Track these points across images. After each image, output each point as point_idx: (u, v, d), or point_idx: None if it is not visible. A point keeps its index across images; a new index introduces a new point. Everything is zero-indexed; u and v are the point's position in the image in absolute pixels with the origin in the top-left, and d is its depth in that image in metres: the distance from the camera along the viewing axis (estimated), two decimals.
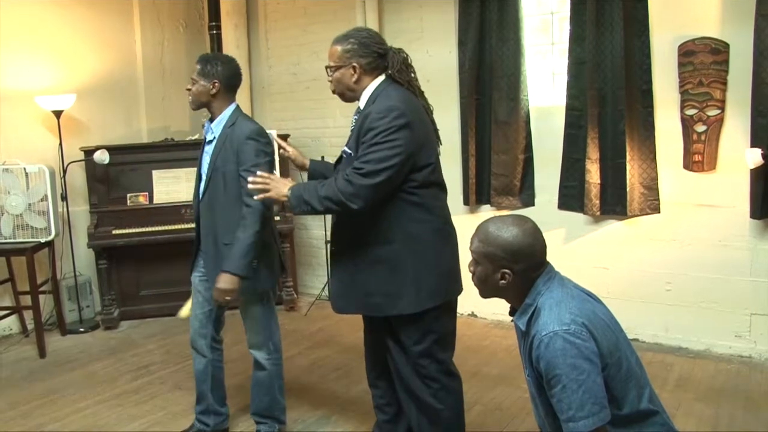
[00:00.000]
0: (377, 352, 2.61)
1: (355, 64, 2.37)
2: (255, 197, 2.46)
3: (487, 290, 1.83)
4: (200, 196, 2.86)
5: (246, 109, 5.74)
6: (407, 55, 2.45)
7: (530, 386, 1.81)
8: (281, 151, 2.82)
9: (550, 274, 1.79)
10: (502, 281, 1.76)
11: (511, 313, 1.87)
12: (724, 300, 3.89)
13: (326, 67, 2.45)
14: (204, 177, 2.83)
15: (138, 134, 5.52)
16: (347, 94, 2.46)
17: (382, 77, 2.41)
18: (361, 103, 2.42)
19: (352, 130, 2.44)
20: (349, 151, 2.38)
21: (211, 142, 2.82)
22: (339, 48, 2.40)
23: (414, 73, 2.46)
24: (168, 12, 5.77)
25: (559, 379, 1.60)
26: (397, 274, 2.34)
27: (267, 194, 2.40)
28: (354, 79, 2.39)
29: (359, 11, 5.01)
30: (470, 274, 1.86)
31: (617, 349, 1.70)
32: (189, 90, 2.79)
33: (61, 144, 4.83)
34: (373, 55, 2.39)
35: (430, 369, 2.40)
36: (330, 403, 3.50)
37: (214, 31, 5.46)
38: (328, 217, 5.39)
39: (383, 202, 2.31)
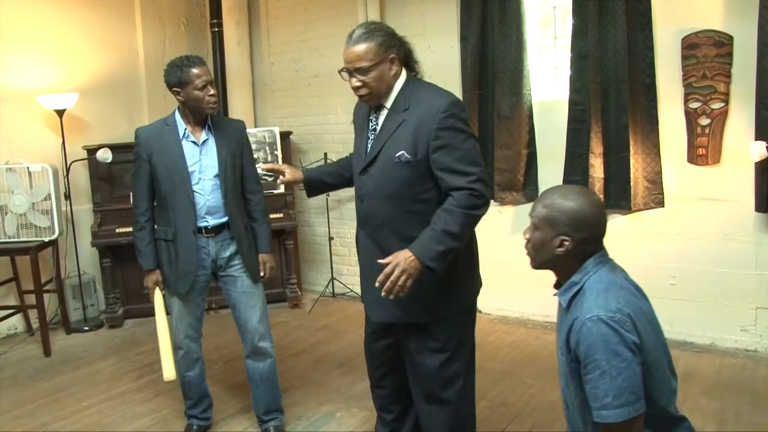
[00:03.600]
0: (385, 353, 2.55)
1: (392, 55, 2.21)
2: (397, 295, 2.08)
3: (540, 258, 1.78)
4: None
5: (248, 106, 5.76)
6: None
7: (563, 365, 1.77)
8: (281, 177, 2.64)
9: (603, 257, 1.75)
10: (560, 249, 1.71)
11: (556, 286, 1.83)
12: (729, 294, 3.88)
13: (355, 69, 2.20)
14: None
15: None
16: (384, 93, 2.25)
17: (404, 69, 2.29)
18: (389, 101, 2.26)
19: (374, 131, 2.31)
20: (408, 156, 2.18)
21: None
22: (372, 44, 2.17)
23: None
24: (169, 10, 5.76)
25: (598, 364, 1.56)
26: (451, 280, 2.26)
27: (409, 282, 2.07)
28: (393, 72, 2.23)
29: (361, 7, 5.00)
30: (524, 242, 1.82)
31: (655, 349, 1.66)
32: None
33: (63, 143, 4.83)
34: (398, 43, 2.25)
35: (454, 367, 2.34)
36: (334, 400, 3.50)
37: (216, 29, 5.46)
38: (331, 215, 5.42)
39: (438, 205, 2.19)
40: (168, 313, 2.97)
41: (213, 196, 2.86)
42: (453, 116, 2.14)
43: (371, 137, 2.33)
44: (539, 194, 1.81)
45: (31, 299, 4.58)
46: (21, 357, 4.39)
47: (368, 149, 2.32)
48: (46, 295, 4.59)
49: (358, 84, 2.22)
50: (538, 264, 1.81)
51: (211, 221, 2.88)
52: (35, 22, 4.86)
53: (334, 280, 5.45)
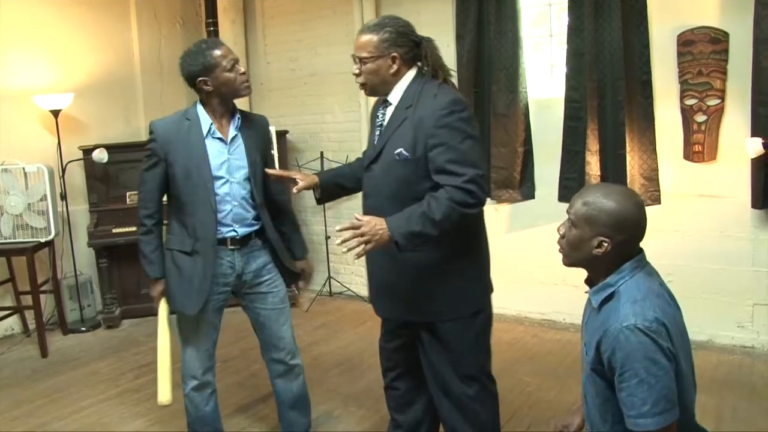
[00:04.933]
0: (397, 353, 2.50)
1: (394, 54, 2.21)
2: (354, 256, 2.06)
3: (574, 257, 1.72)
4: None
5: (244, 106, 5.73)
6: (436, 45, 2.32)
7: (587, 364, 1.73)
8: (294, 189, 2.50)
9: (640, 261, 1.69)
10: (597, 249, 1.65)
11: (588, 282, 1.78)
12: (726, 290, 3.88)
13: (358, 58, 2.23)
14: None
15: (137, 132, 5.51)
16: (380, 88, 2.28)
17: (415, 69, 2.27)
18: (394, 97, 2.26)
19: (381, 126, 2.31)
20: (407, 154, 2.17)
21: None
22: (375, 37, 2.20)
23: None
24: (165, 9, 5.75)
25: (635, 372, 1.54)
26: (470, 274, 2.30)
27: (368, 246, 2.06)
28: (392, 70, 2.22)
29: (356, 6, 4.99)
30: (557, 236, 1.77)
31: (685, 359, 1.65)
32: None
33: (59, 143, 4.81)
34: (410, 44, 2.24)
35: (465, 369, 2.32)
36: (332, 399, 3.49)
37: (212, 28, 5.44)
38: (329, 213, 5.42)
39: None
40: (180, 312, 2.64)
41: (242, 202, 2.54)
42: (451, 114, 2.11)
43: (377, 133, 2.33)
44: (579, 190, 1.76)
45: (27, 300, 4.56)
46: (18, 358, 4.38)
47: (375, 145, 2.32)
48: (42, 296, 4.58)
49: (356, 72, 2.26)
50: (570, 262, 1.76)
51: (240, 230, 2.56)
52: (30, 21, 4.84)
53: (331, 279, 5.45)
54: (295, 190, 2.49)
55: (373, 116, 2.41)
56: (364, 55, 2.22)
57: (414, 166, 2.17)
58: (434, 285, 2.25)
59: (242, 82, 2.47)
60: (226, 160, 2.51)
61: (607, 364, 1.62)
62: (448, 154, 2.10)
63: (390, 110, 2.28)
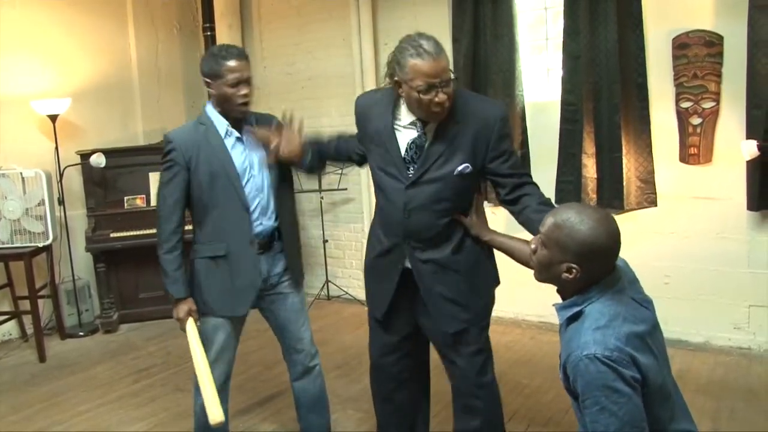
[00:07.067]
0: (401, 361, 2.47)
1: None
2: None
3: (543, 275, 1.72)
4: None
5: None
6: None
7: (562, 381, 1.73)
8: (270, 158, 2.49)
9: (610, 281, 1.67)
10: (566, 274, 1.63)
11: (559, 293, 1.77)
12: (722, 292, 3.90)
13: (444, 81, 2.07)
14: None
15: (134, 137, 5.52)
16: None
17: None
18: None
19: (415, 144, 2.21)
20: (471, 168, 2.19)
21: None
22: (445, 55, 2.11)
23: None
24: (162, 14, 5.76)
25: (596, 400, 1.53)
26: (493, 266, 2.45)
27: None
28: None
29: (353, 10, 5.01)
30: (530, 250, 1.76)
31: (658, 375, 1.63)
32: None
33: (57, 148, 4.82)
34: None
35: (488, 367, 2.38)
36: (330, 402, 3.46)
37: (209, 33, 5.47)
38: (326, 217, 5.43)
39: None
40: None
41: (263, 194, 2.54)
42: (506, 125, 2.26)
43: (412, 150, 2.22)
44: (553, 210, 1.73)
45: (25, 305, 4.56)
46: (16, 363, 4.37)
47: (413, 162, 2.22)
48: (40, 301, 4.57)
49: (445, 97, 2.08)
50: (540, 279, 1.76)
51: (266, 222, 2.54)
52: (28, 27, 4.85)
53: (329, 283, 5.45)
54: (270, 159, 2.47)
55: (385, 132, 2.26)
56: (452, 75, 2.09)
57: (472, 178, 2.24)
58: (483, 284, 2.37)
59: (239, 103, 2.43)
60: (247, 155, 2.52)
61: (573, 386, 1.62)
62: (511, 160, 2.27)
63: (430, 126, 2.20)
